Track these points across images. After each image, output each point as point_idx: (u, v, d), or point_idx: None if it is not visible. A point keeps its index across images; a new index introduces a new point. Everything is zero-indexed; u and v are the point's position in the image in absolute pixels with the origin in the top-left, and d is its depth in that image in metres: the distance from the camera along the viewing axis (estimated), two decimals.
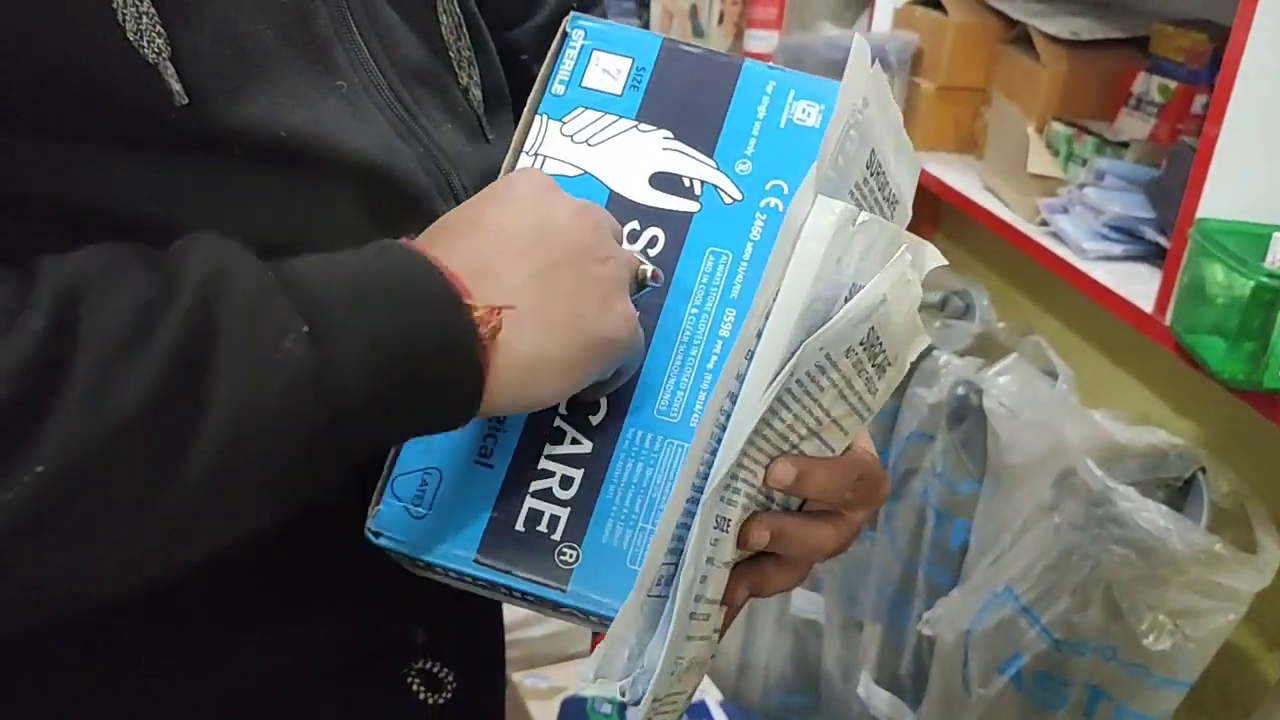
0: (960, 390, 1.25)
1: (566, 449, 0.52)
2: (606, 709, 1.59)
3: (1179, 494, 1.08)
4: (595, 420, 0.53)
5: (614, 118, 0.56)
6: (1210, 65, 1.14)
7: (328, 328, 0.41)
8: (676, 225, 0.55)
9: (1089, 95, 1.29)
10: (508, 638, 0.77)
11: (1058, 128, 1.27)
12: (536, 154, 0.56)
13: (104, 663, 0.52)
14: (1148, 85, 1.22)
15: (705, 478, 0.45)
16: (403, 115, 0.53)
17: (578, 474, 0.52)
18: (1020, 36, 1.35)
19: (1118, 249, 1.15)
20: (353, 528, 0.53)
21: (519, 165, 0.56)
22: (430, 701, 0.62)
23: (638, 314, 0.50)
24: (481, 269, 0.46)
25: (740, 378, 0.44)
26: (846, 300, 0.45)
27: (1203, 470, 1.06)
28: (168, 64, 0.43)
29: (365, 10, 0.53)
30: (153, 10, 0.43)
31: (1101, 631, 1.02)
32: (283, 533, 0.45)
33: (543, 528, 0.51)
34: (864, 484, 0.52)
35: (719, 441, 0.44)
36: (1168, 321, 0.99)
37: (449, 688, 0.63)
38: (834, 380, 0.47)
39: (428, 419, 0.46)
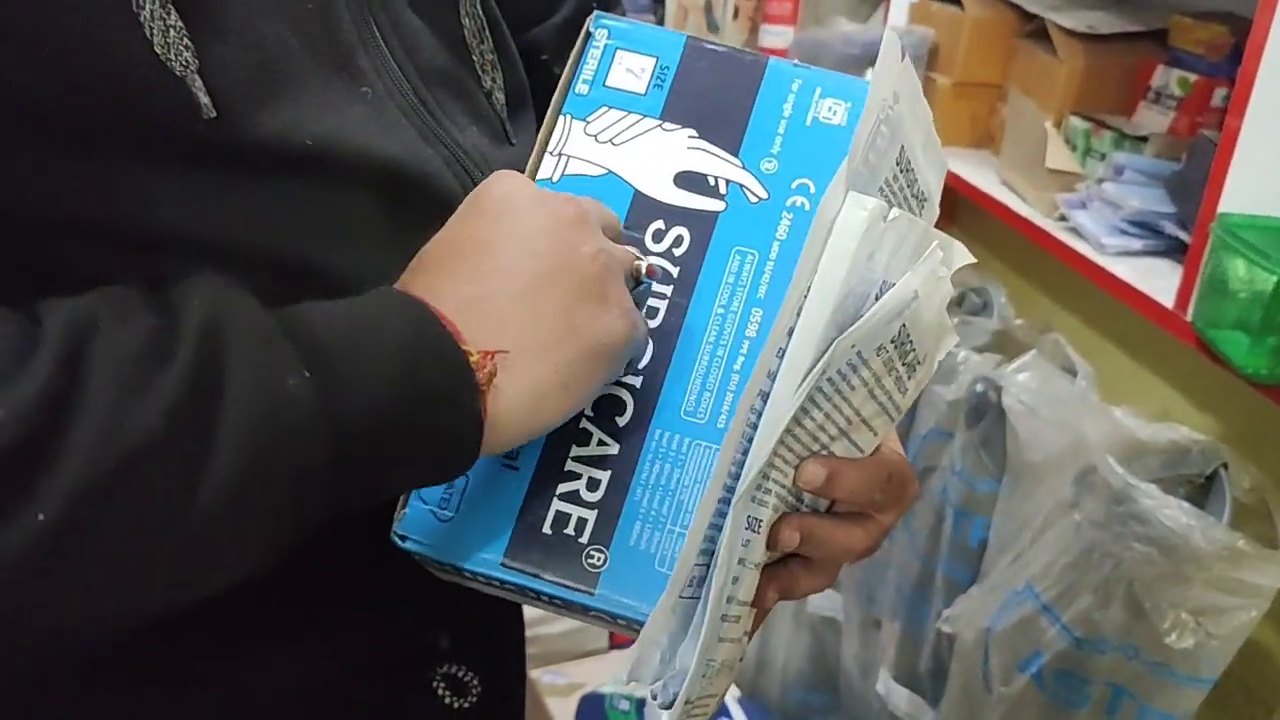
0: (979, 387, 1.24)
1: (593, 450, 0.52)
2: (625, 706, 1.59)
3: (1201, 490, 1.07)
4: (622, 422, 0.52)
5: (638, 117, 0.56)
6: (1231, 57, 1.13)
7: (327, 372, 0.41)
8: (702, 224, 0.54)
9: (1107, 89, 1.28)
10: (526, 635, 0.77)
11: (1076, 122, 1.26)
12: (560, 154, 0.56)
13: (117, 678, 0.52)
14: (1167, 79, 1.21)
15: (737, 478, 0.45)
16: (427, 120, 0.53)
17: (605, 476, 0.52)
18: (1037, 31, 1.34)
19: (1137, 244, 1.14)
20: (375, 534, 0.53)
21: (542, 166, 0.56)
22: (456, 706, 0.62)
23: (632, 306, 0.49)
24: (469, 299, 0.46)
25: (772, 376, 0.44)
26: (877, 298, 0.45)
27: (1225, 466, 1.05)
28: (195, 76, 0.43)
29: (387, 15, 0.53)
30: (180, 23, 0.42)
31: (1123, 630, 1.01)
32: (305, 542, 0.45)
33: (570, 530, 0.51)
34: (893, 485, 0.52)
35: (750, 441, 0.44)
36: (1189, 317, 0.99)
37: (474, 691, 0.63)
38: (864, 379, 0.46)
39: (427, 469, 0.46)
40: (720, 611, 0.45)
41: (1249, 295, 0.91)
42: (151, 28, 0.42)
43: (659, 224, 0.54)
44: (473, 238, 0.48)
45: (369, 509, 0.52)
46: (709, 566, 0.46)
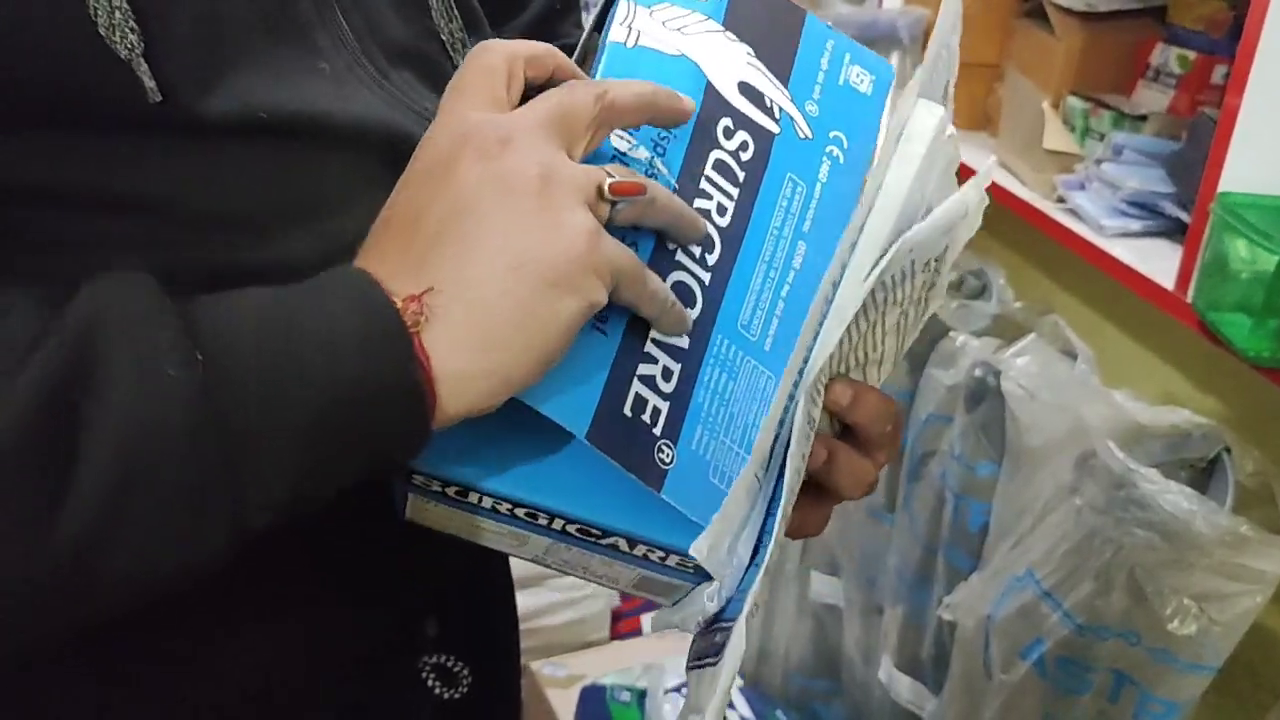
0: (978, 372, 1.23)
1: (667, 338, 0.49)
2: (625, 697, 1.58)
3: (1203, 475, 1.06)
4: (692, 314, 0.49)
5: (703, 17, 0.54)
6: (1230, 34, 1.11)
7: (217, 356, 0.38)
8: (762, 140, 0.53)
9: (1105, 68, 1.26)
10: (525, 626, 0.77)
11: (1074, 102, 1.25)
12: (630, 26, 0.53)
13: (96, 669, 0.51)
14: (1166, 56, 1.20)
15: (803, 373, 0.46)
16: (390, 90, 0.53)
17: (676, 368, 0.49)
18: (1034, 9, 1.32)
19: (1137, 225, 1.13)
20: (360, 517, 0.52)
21: (613, 32, 0.53)
22: (445, 696, 0.62)
23: (591, 223, 0.44)
24: (408, 261, 0.43)
25: (836, 284, 0.45)
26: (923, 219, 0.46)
27: (1227, 450, 1.04)
28: (141, 60, 0.42)
29: None
30: (126, 5, 0.42)
31: (1125, 616, 1.00)
32: (287, 526, 0.43)
33: (646, 417, 0.47)
34: (895, 422, 0.53)
35: (815, 339, 0.45)
36: (1189, 299, 0.97)
37: (464, 681, 0.63)
38: (901, 298, 0.47)
39: (373, 444, 0.42)
40: (793, 497, 0.45)
41: (1250, 276, 0.89)
42: (96, 8, 0.41)
43: (727, 122, 0.52)
44: (404, 192, 0.44)
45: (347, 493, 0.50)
46: (770, 455, 0.46)
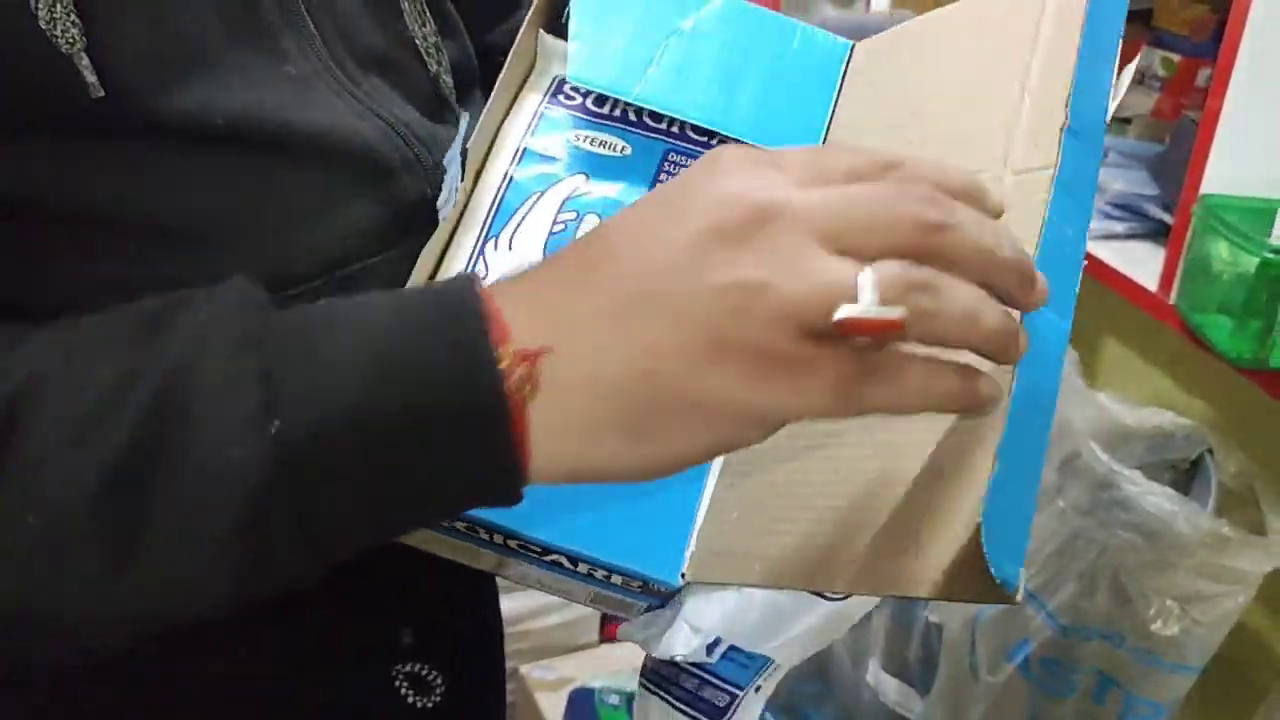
0: None
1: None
2: (615, 700, 1.58)
3: (1186, 476, 1.06)
4: None
5: None
6: (1214, 38, 1.11)
7: (296, 414, 0.35)
8: None
9: None
10: (514, 629, 0.76)
11: None
12: None
13: (49, 674, 0.51)
14: (1151, 59, 1.20)
15: None
16: (360, 97, 0.52)
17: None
18: None
19: (1120, 227, 1.13)
20: None
21: None
22: (419, 705, 0.61)
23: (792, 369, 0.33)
24: (546, 304, 0.35)
25: None
26: None
27: (1210, 451, 1.04)
28: (82, 55, 0.42)
29: None
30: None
31: (1108, 618, 1.01)
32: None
33: None
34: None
35: None
36: (1173, 300, 0.97)
37: (438, 690, 0.62)
38: None
39: (457, 495, 0.37)
40: None
41: (1232, 277, 0.89)
42: (37, 2, 0.41)
43: None
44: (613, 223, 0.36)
45: None
46: None
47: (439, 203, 0.54)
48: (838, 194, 0.34)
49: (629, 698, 1.58)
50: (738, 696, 0.49)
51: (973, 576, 0.34)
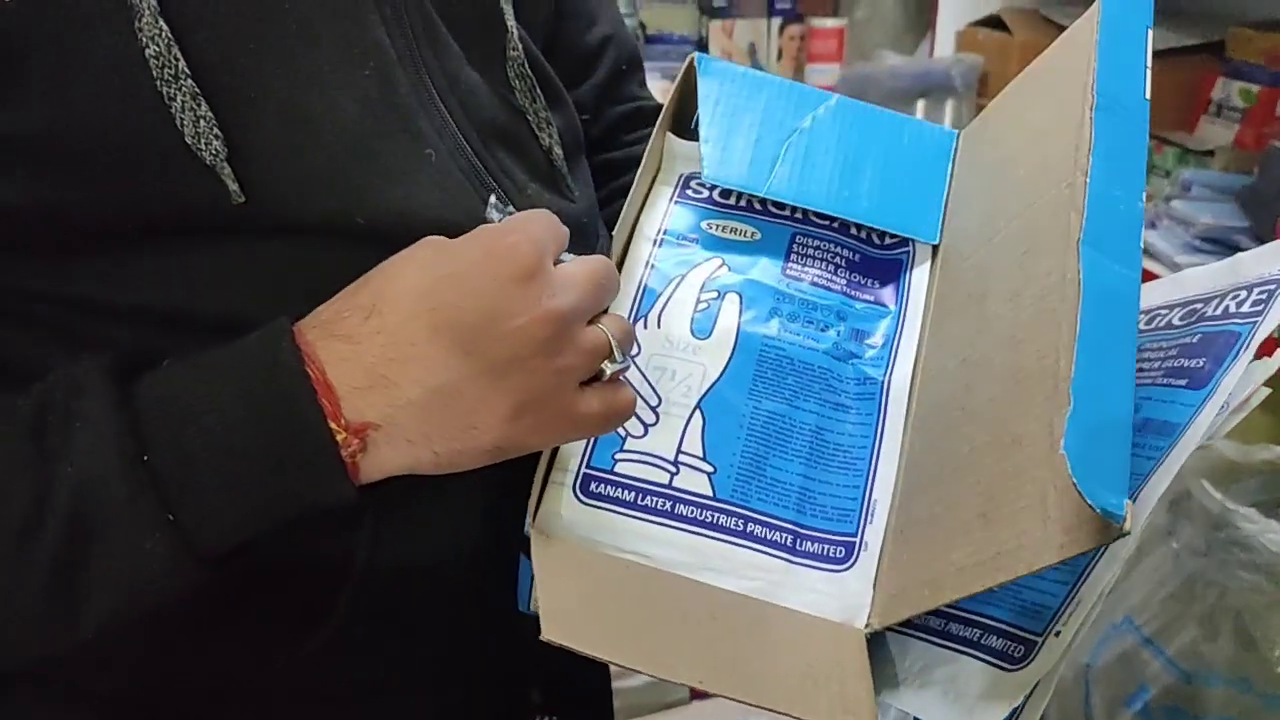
0: None
1: None
2: None
3: None
4: None
5: None
6: None
7: (192, 513, 0.46)
8: None
9: (1165, 105, 1.26)
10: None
11: None
12: None
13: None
14: (1227, 91, 1.19)
15: None
16: (489, 183, 0.53)
17: None
18: None
19: (1212, 261, 1.11)
20: (477, 601, 0.53)
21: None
22: None
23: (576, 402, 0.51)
24: (375, 378, 0.46)
25: None
26: None
27: None
28: (224, 164, 0.44)
29: (444, 73, 0.53)
30: (210, 113, 0.43)
31: (1233, 662, 0.98)
32: (412, 618, 0.44)
33: None
34: None
35: None
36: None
37: None
38: None
39: (298, 515, 0.49)
40: None
41: None
42: (182, 119, 0.42)
43: None
44: (398, 301, 0.47)
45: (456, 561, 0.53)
46: None
47: None
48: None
49: None
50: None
51: (1081, 524, 0.43)
